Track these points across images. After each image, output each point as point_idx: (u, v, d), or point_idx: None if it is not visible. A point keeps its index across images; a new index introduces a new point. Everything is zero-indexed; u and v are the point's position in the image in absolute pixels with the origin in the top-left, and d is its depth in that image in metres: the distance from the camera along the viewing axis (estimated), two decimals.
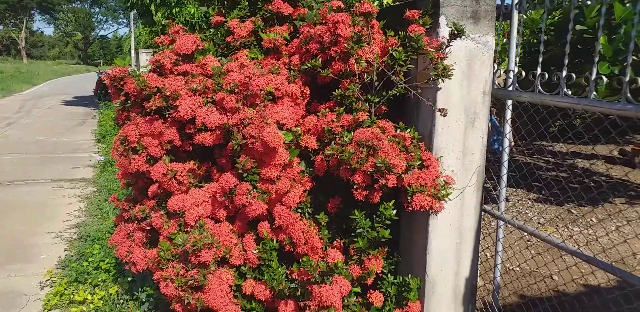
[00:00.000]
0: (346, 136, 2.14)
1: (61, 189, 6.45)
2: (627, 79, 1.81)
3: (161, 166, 2.32)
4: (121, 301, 3.23)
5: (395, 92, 2.23)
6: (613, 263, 1.92)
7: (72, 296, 3.41)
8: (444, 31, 2.16)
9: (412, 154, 2.06)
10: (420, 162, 2.07)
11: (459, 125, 2.27)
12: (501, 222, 2.56)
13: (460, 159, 2.31)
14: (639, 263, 3.77)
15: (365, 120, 2.20)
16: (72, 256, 4.13)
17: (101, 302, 3.23)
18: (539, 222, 4.75)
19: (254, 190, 2.25)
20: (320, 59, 2.27)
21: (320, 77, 2.43)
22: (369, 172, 2.01)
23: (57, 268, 4.00)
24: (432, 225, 2.31)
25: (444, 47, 2.10)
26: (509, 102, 2.52)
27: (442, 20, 2.15)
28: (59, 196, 6.14)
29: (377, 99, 2.30)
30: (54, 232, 4.85)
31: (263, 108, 2.22)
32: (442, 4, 2.14)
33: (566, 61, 2.08)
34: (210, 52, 2.77)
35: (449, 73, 2.10)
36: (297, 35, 2.65)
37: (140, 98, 2.45)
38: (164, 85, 2.35)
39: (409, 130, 2.25)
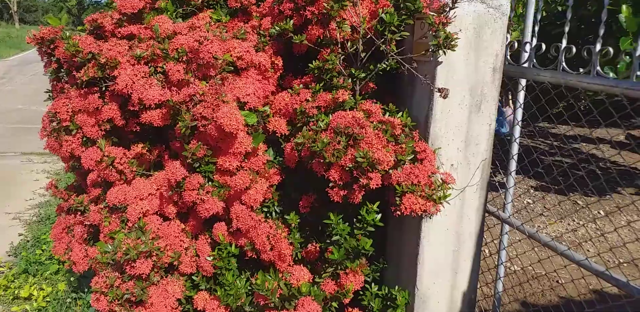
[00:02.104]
0: (321, 120, 1.70)
1: (30, 164, 6.02)
2: None
3: (94, 152, 1.89)
4: (68, 300, 2.84)
5: (385, 65, 1.79)
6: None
7: (17, 291, 3.03)
8: None
9: (403, 145, 1.63)
10: (413, 155, 1.64)
11: (462, 109, 1.84)
12: (506, 227, 2.15)
13: (462, 151, 1.89)
14: None
15: (347, 100, 1.76)
16: (27, 242, 3.74)
17: (45, 301, 2.84)
18: (541, 214, 4.37)
19: (209, 183, 1.83)
20: (292, 22, 1.81)
21: (296, 45, 1.98)
22: (347, 168, 1.58)
23: (9, 255, 3.61)
24: (425, 230, 1.91)
25: (447, 9, 1.65)
26: (523, 82, 2.08)
27: None
28: (26, 171, 5.71)
29: (364, 74, 1.86)
30: (12, 212, 4.44)
31: (219, 81, 1.78)
32: None
33: (601, 31, 1.63)
34: (168, 13, 2.30)
35: (452, 43, 1.65)
36: None
37: (74, 66, 2.00)
38: (101, 50, 1.90)
39: (400, 114, 1.82)
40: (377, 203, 1.69)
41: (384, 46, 1.77)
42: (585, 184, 4.55)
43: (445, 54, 1.68)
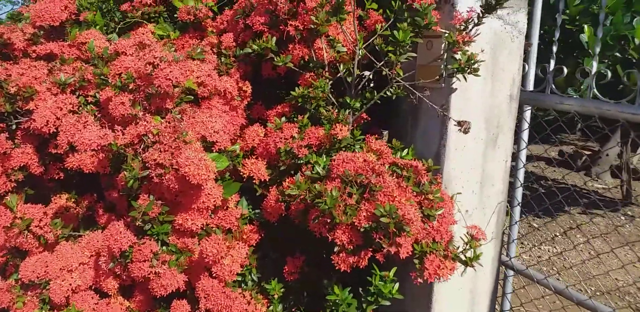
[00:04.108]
0: (319, 164, 1.32)
1: None
2: None
3: (1, 214, 1.38)
4: None
5: (390, 93, 1.45)
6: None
7: None
8: (462, 3, 1.41)
9: (430, 196, 1.28)
10: (442, 209, 1.29)
11: (477, 144, 1.53)
12: (509, 283, 1.86)
13: (478, 194, 1.57)
14: (624, 294, 3.30)
15: (346, 137, 1.40)
16: None
17: None
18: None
19: (163, 248, 1.38)
20: (274, 39, 1.43)
21: (267, 66, 1.60)
22: (361, 229, 1.21)
23: None
24: (437, 291, 1.56)
25: (471, 26, 1.34)
26: (529, 112, 1.81)
27: None
28: None
29: (359, 104, 1.50)
30: None
31: (179, 116, 1.35)
32: None
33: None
34: (98, 27, 1.84)
35: (474, 66, 1.34)
36: (230, 5, 1.79)
37: None
38: (9, 75, 1.41)
39: (406, 152, 1.48)
40: (394, 269, 1.33)
41: (386, 70, 1.43)
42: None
43: (466, 79, 1.36)
